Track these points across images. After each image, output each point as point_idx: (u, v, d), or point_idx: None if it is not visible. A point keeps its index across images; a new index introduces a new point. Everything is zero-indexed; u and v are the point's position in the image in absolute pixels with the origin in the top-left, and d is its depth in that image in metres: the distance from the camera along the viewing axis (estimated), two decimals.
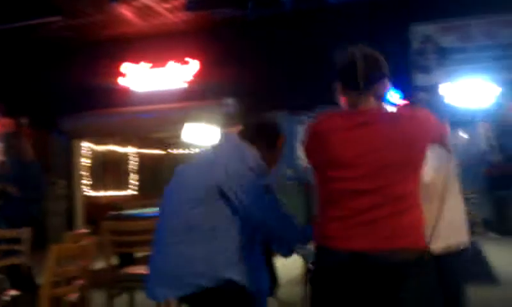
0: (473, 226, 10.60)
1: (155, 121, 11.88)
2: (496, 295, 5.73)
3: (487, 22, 10.73)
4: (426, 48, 11.15)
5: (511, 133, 10.76)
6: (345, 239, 2.17)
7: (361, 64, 2.24)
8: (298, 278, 5.50)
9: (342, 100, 2.31)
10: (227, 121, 11.32)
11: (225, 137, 3.10)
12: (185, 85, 11.62)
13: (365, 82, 2.23)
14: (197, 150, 15.04)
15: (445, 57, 10.99)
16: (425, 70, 11.09)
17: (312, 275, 2.33)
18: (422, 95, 3.08)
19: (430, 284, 2.23)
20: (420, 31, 11.17)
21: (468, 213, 10.60)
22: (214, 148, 3.04)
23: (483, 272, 6.68)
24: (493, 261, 7.54)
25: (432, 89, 9.76)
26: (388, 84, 2.33)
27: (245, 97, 11.53)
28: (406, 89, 11.42)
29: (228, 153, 2.87)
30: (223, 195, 2.74)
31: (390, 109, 2.28)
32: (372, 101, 2.25)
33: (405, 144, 2.17)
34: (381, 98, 2.29)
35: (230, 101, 11.16)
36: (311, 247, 2.53)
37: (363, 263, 2.13)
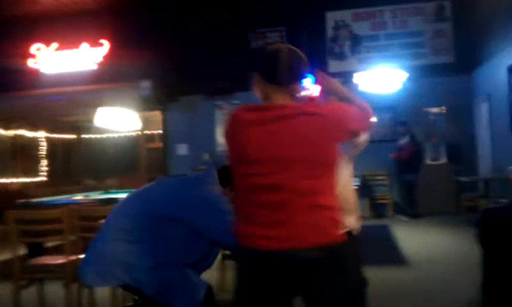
0: (384, 209, 11.11)
1: (66, 104, 11.47)
2: (407, 275, 5.99)
3: (397, 10, 11.12)
4: (340, 35, 11.41)
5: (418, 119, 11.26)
6: (253, 238, 2.16)
7: (284, 59, 2.24)
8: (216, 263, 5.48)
9: (258, 92, 2.29)
10: (142, 104, 11.11)
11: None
12: (97, 67, 11.27)
13: (285, 78, 2.22)
14: (111, 135, 14.71)
15: (359, 45, 11.30)
16: (340, 56, 11.36)
17: (236, 272, 2.32)
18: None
19: (345, 276, 2.25)
20: (334, 17, 11.40)
21: (380, 196, 10.96)
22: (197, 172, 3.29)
23: (394, 255, 6.95)
24: (403, 243, 7.88)
25: (347, 76, 10.02)
26: (307, 84, 2.34)
27: (161, 80, 11.36)
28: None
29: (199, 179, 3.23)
30: (177, 218, 3.08)
31: (303, 104, 2.24)
32: (287, 97, 2.25)
33: (313, 141, 2.14)
34: (297, 95, 2.28)
35: (145, 84, 10.94)
36: None
37: (274, 262, 2.12)
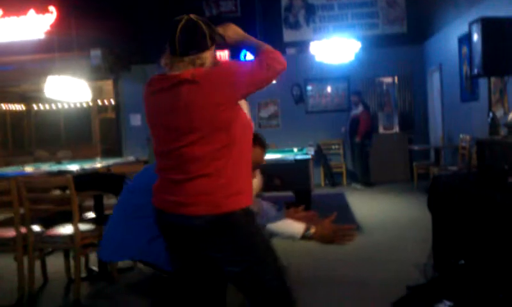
0: (339, 178, 11.26)
1: (14, 74, 11.07)
2: (362, 241, 6.10)
3: None
4: (295, 4, 11.35)
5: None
6: (160, 201, 2.33)
7: (181, 29, 2.24)
8: None
9: (163, 62, 2.30)
10: (93, 74, 10.83)
11: None
12: (46, 36, 10.87)
13: (179, 49, 2.23)
14: (63, 106, 14.32)
15: (313, 14, 11.28)
16: (295, 26, 11.32)
17: None
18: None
19: (238, 244, 2.27)
20: None
21: (335, 165, 11.08)
22: None
23: (349, 222, 7.07)
24: (357, 210, 8.02)
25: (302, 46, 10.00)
26: (214, 56, 2.30)
27: (112, 49, 11.08)
28: (278, 46, 11.70)
29: None
30: None
31: (184, 73, 2.21)
32: (188, 66, 2.23)
33: (192, 109, 2.18)
34: (203, 64, 2.24)
35: (95, 53, 10.65)
36: None
37: (171, 225, 2.31)
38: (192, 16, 2.29)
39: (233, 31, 2.42)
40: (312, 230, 2.78)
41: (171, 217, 2.28)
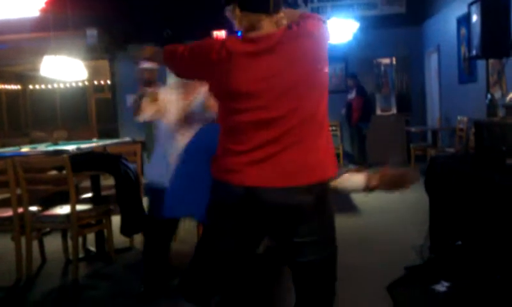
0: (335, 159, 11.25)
1: (8, 53, 10.97)
2: (358, 223, 6.13)
3: None
4: None
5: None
6: (240, 173, 2.04)
7: None
8: None
9: (242, 24, 2.13)
10: (89, 53, 10.75)
11: None
12: (41, 13, 10.74)
13: (273, 5, 2.09)
14: (59, 85, 14.23)
15: None
16: (293, 5, 11.23)
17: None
18: None
19: (326, 224, 2.18)
20: None
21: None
22: None
23: (346, 204, 7.08)
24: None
25: None
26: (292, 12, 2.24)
27: (108, 28, 10.99)
28: None
29: None
30: None
31: (296, 26, 2.07)
32: (272, 26, 2.10)
33: (307, 64, 2.06)
34: (281, 24, 2.12)
35: (91, 32, 10.56)
36: None
37: (256, 201, 2.03)
38: None
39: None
40: (374, 180, 2.70)
41: (270, 192, 2.02)
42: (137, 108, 3.87)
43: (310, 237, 2.11)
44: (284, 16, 2.16)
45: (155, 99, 3.82)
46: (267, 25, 2.09)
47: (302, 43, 2.07)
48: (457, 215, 4.01)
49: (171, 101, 3.87)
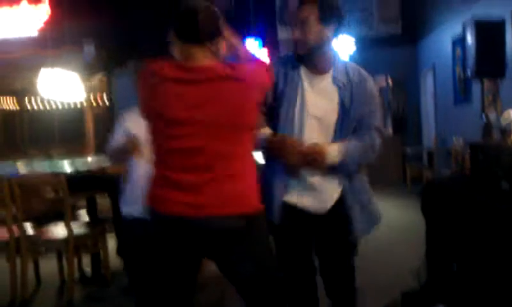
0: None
1: (5, 70, 10.96)
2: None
3: None
4: (289, 1, 11.34)
5: None
6: (165, 202, 2.14)
7: (202, 15, 2.15)
8: None
9: (176, 51, 2.20)
10: (87, 70, 10.75)
11: None
12: (39, 32, 10.76)
13: (203, 35, 2.14)
14: (56, 105, 14.20)
15: None
16: (289, 23, 11.29)
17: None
18: None
19: (260, 245, 2.27)
20: None
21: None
22: None
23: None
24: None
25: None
26: (226, 46, 2.27)
27: (106, 44, 11.01)
28: (271, 42, 11.63)
29: None
30: None
31: (225, 67, 2.15)
32: (208, 55, 2.17)
33: (235, 106, 2.12)
34: (219, 55, 2.21)
35: (90, 49, 10.58)
36: None
37: (188, 229, 2.13)
38: (205, 2, 2.21)
39: (235, 40, 2.40)
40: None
41: (194, 222, 2.11)
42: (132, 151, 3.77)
43: (243, 255, 2.20)
44: (220, 48, 2.21)
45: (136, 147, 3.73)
46: (200, 56, 2.15)
47: (230, 85, 2.12)
48: (454, 238, 4.01)
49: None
